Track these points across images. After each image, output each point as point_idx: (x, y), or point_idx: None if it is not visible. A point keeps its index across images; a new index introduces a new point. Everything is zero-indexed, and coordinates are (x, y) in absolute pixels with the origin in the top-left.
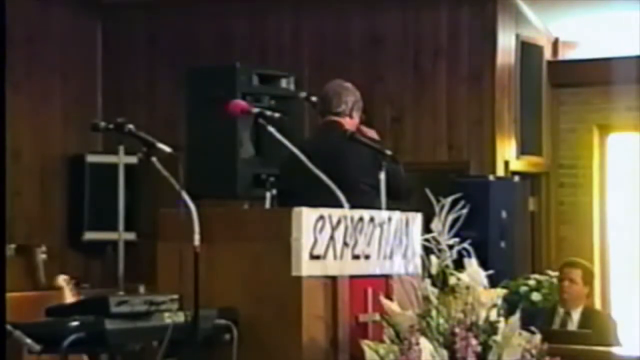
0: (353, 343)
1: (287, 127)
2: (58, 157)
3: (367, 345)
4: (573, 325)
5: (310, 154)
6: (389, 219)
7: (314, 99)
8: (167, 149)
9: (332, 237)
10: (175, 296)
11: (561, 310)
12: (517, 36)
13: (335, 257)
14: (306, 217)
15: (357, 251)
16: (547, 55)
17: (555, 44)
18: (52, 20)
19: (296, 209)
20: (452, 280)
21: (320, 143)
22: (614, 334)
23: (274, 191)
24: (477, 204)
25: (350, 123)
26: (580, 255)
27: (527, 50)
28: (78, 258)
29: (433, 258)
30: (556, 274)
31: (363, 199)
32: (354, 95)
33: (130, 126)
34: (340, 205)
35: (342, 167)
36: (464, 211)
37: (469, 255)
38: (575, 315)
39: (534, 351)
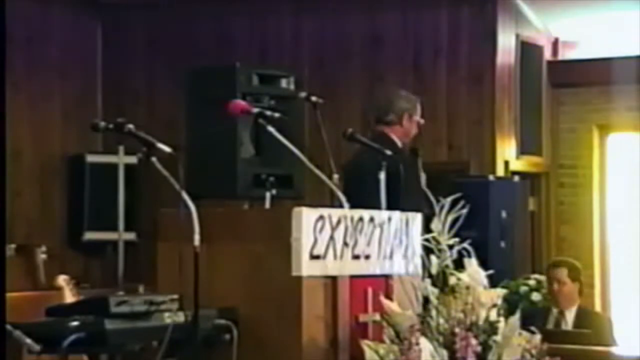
0: (353, 343)
1: (287, 127)
2: (58, 157)
3: (367, 345)
4: (567, 325)
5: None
6: (389, 219)
7: (314, 99)
8: (167, 149)
9: (332, 237)
10: (175, 296)
11: (555, 311)
12: (517, 36)
13: (335, 257)
14: (306, 217)
15: (357, 251)
16: (547, 55)
17: (555, 44)
18: (52, 20)
19: (296, 209)
20: (452, 280)
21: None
22: (610, 333)
23: (274, 191)
24: (477, 204)
25: (401, 132)
26: (580, 255)
27: (527, 50)
28: (78, 258)
29: (433, 258)
30: None
31: None
32: (407, 101)
33: (130, 126)
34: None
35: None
36: (464, 211)
37: (469, 255)
38: (569, 315)
39: (534, 351)
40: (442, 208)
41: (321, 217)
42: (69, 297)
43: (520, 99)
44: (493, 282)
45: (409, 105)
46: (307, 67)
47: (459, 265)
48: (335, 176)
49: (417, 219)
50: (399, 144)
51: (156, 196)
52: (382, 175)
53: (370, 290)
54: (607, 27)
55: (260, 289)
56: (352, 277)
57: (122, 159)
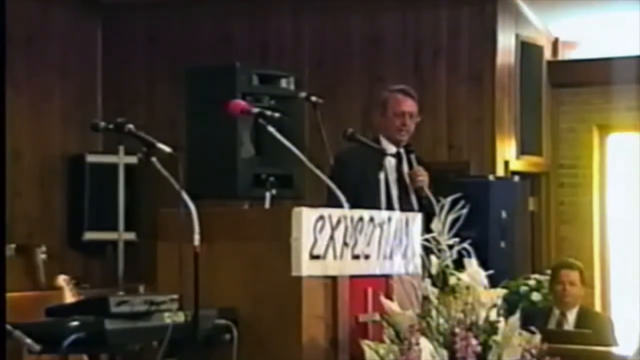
0: (353, 343)
1: (287, 127)
2: (58, 157)
3: (367, 345)
4: (569, 325)
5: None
6: (389, 219)
7: (314, 99)
8: (167, 149)
9: (332, 237)
10: (175, 296)
11: (557, 312)
12: (517, 36)
13: (335, 257)
14: (306, 217)
15: (357, 251)
16: (547, 55)
17: (555, 44)
18: (52, 20)
19: (296, 209)
20: (452, 280)
21: None
22: (611, 333)
23: (274, 191)
24: (477, 204)
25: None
26: (580, 255)
27: (527, 50)
28: (78, 258)
29: (433, 258)
30: None
31: None
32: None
33: (130, 126)
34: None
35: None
36: (464, 211)
37: (469, 255)
38: (571, 316)
39: (534, 351)
40: (442, 208)
41: (321, 217)
42: (69, 297)
43: (520, 99)
44: (493, 282)
45: (378, 102)
46: (307, 67)
47: (459, 265)
48: None
49: (417, 219)
50: (381, 140)
51: (156, 196)
52: (382, 175)
53: (370, 290)
54: (607, 27)
55: (260, 289)
56: (352, 277)
57: (122, 159)
